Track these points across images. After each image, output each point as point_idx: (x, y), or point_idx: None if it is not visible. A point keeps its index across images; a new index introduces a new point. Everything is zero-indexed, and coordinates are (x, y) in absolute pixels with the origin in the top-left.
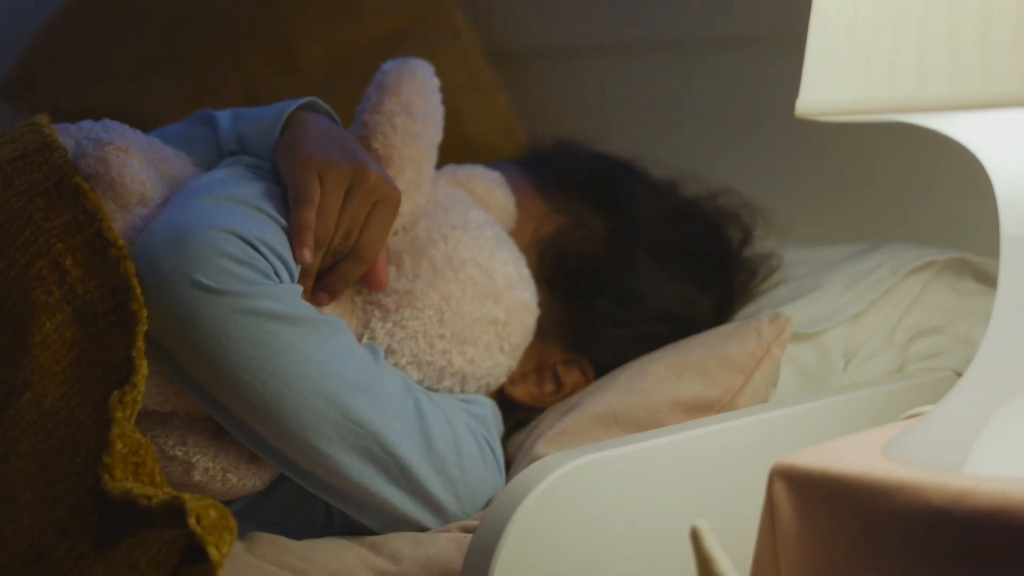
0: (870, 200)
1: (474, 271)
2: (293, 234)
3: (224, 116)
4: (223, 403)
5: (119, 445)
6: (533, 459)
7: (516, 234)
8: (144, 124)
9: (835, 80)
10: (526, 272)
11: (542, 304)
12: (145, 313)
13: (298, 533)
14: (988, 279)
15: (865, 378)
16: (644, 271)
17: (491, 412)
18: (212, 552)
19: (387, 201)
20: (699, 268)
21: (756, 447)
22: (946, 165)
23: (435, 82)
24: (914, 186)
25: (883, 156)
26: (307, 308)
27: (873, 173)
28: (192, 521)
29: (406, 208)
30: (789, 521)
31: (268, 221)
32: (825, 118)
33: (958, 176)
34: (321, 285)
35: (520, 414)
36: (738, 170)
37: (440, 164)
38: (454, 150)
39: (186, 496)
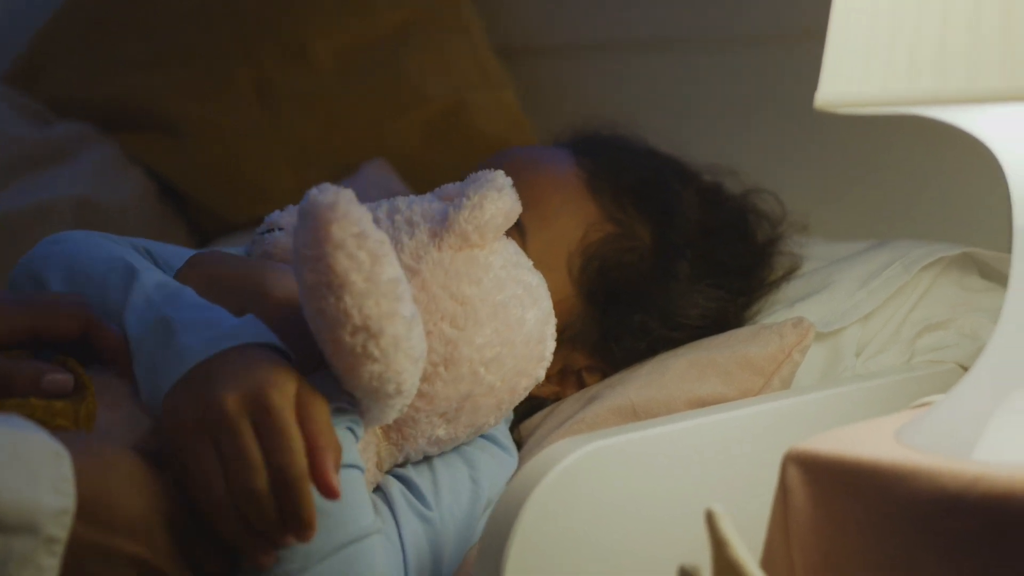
0: (875, 194)
1: (518, 397)
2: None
3: (132, 324)
4: None
5: None
6: None
7: (565, 237)
8: (153, 116)
9: (855, 73)
10: (551, 337)
11: (577, 313)
12: None
13: None
14: (993, 275)
15: (874, 371)
16: (685, 288)
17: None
18: None
19: (271, 414)
20: (738, 282)
21: (768, 434)
22: (952, 159)
23: (359, 229)
24: (919, 180)
25: (888, 150)
26: None
27: (878, 167)
28: None
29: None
30: (802, 506)
31: None
32: (844, 110)
33: (964, 170)
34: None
35: (536, 401)
36: (744, 165)
37: (448, 160)
38: (463, 144)
39: None
